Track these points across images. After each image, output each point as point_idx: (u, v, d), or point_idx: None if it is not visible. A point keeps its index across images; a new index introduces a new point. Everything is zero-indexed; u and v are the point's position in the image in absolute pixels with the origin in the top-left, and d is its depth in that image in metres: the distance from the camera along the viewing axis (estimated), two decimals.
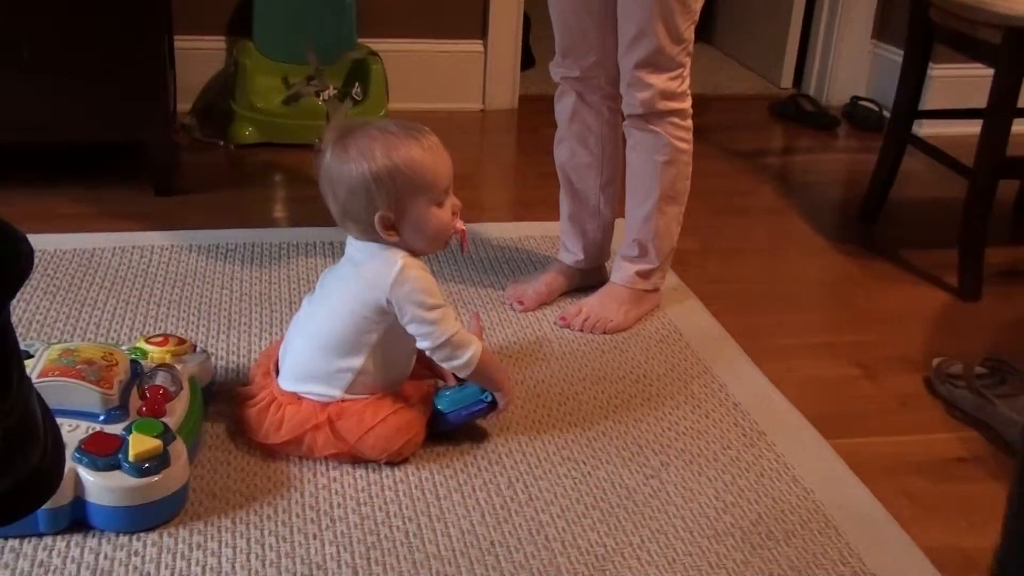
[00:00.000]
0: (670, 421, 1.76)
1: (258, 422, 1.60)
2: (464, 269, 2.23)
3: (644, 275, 2.05)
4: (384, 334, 1.58)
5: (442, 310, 1.57)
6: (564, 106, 2.06)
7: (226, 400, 1.69)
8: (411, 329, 1.57)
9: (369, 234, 1.57)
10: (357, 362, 1.58)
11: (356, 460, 1.59)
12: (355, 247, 1.61)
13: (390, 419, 1.58)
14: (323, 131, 1.64)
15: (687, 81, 1.93)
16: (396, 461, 1.60)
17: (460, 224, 1.62)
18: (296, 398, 1.60)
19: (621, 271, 2.06)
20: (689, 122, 1.96)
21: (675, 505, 1.55)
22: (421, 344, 1.59)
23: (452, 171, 1.59)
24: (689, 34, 1.88)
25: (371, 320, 1.57)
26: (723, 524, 1.52)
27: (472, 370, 1.59)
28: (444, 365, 1.61)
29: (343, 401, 1.59)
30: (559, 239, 2.18)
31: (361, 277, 1.58)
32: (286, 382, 1.62)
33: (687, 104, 1.95)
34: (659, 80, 1.89)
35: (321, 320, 1.61)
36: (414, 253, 1.59)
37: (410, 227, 1.57)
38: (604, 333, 2.01)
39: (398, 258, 1.56)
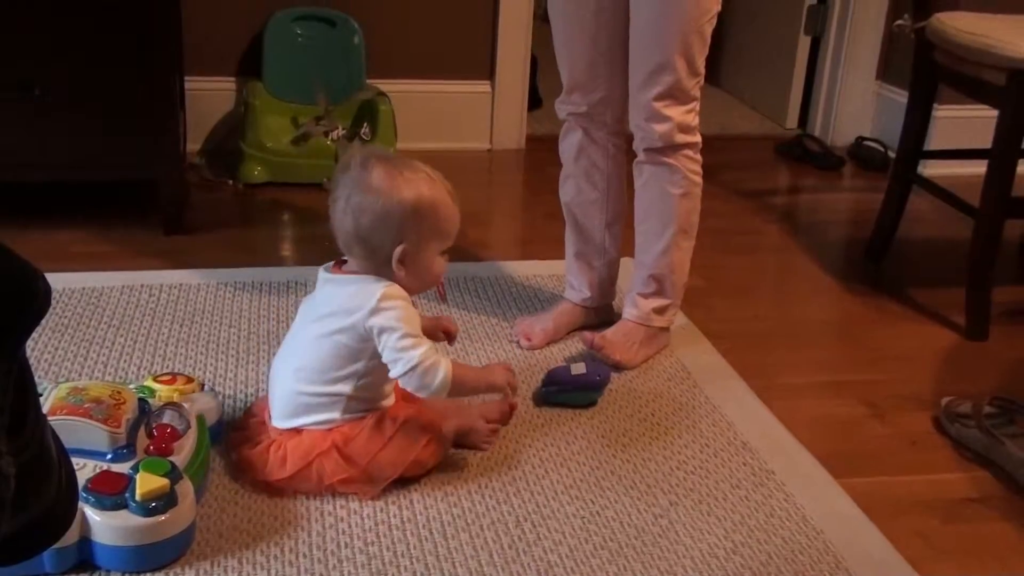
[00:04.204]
0: (679, 460, 1.75)
1: (261, 462, 1.59)
2: (471, 307, 2.24)
3: (660, 311, 2.05)
4: (369, 360, 1.57)
5: (417, 339, 1.55)
6: (570, 143, 2.07)
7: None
8: (384, 355, 1.55)
9: (372, 262, 1.57)
10: (346, 388, 1.58)
11: (364, 489, 1.58)
12: (333, 279, 1.60)
13: (397, 436, 1.59)
14: (336, 169, 1.62)
15: (698, 116, 1.95)
16: (417, 474, 1.62)
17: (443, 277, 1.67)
18: (296, 433, 1.60)
19: (636, 307, 2.05)
20: (700, 156, 1.97)
21: (684, 545, 1.54)
22: (393, 371, 1.55)
23: None
24: (703, 68, 1.90)
25: (354, 349, 1.57)
26: (733, 565, 1.51)
27: (447, 392, 1.56)
28: (419, 394, 1.58)
29: (343, 425, 1.59)
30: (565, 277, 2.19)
31: (340, 307, 1.57)
32: (281, 421, 1.61)
33: (699, 138, 1.96)
34: (677, 113, 1.90)
35: (305, 353, 1.61)
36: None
37: (416, 267, 1.58)
38: (609, 364, 1.98)
39: (380, 286, 1.55)
